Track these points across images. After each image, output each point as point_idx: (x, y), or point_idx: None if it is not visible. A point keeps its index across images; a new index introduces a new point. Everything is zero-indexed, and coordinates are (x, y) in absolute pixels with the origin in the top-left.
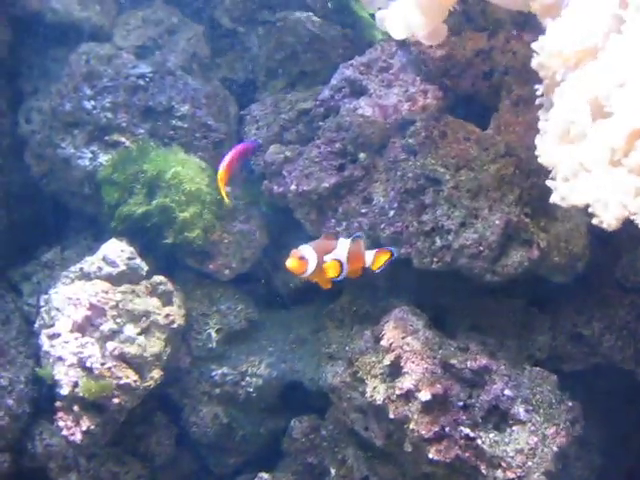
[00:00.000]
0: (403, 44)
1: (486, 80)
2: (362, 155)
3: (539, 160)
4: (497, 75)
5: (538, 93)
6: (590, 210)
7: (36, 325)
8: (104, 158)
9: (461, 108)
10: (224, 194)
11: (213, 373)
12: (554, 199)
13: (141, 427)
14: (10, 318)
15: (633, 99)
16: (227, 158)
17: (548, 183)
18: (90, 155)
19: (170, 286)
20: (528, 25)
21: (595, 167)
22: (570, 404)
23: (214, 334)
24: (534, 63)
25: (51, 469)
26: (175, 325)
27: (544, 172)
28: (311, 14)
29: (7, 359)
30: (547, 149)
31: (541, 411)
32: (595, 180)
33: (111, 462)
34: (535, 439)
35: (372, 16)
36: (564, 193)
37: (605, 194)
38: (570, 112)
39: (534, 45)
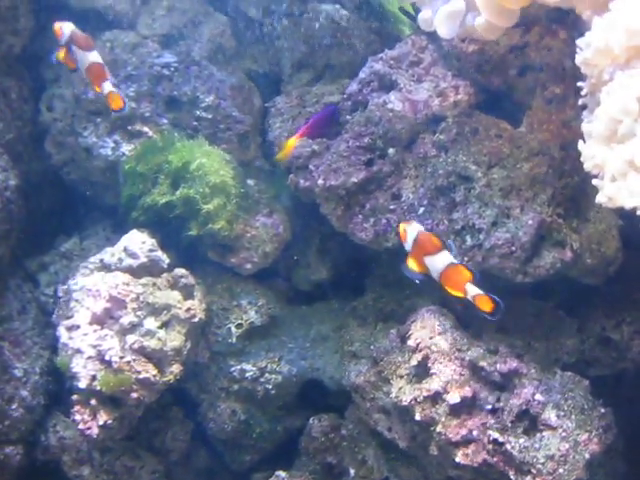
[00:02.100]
0: (434, 38)
1: (519, 77)
2: (391, 150)
3: (585, 167)
4: (531, 72)
5: (583, 92)
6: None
7: (54, 316)
8: (126, 148)
9: (493, 105)
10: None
11: (232, 369)
12: (600, 199)
13: (157, 422)
14: (26, 308)
15: None
16: (302, 129)
17: (594, 182)
18: (112, 145)
19: (191, 279)
20: (563, 21)
21: None
22: (602, 410)
23: (234, 329)
24: (579, 60)
25: (64, 462)
26: (196, 319)
27: (577, 172)
28: (338, 6)
29: (22, 350)
30: (593, 152)
31: (573, 417)
32: None
33: (126, 456)
34: (567, 445)
35: (401, 10)
36: (611, 193)
37: None
38: (619, 111)
39: (579, 41)
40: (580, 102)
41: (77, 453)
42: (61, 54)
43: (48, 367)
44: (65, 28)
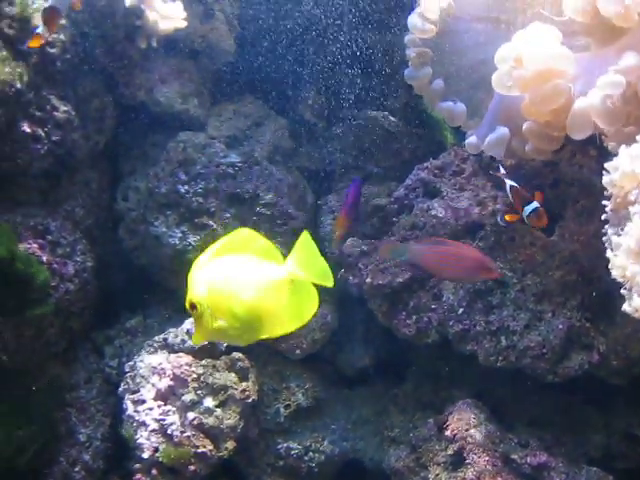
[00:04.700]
0: None
1: (552, 189)
2: None
3: (612, 273)
4: (563, 185)
5: (607, 209)
6: None
7: (120, 389)
8: (193, 239)
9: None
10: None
11: (279, 446)
12: (627, 309)
13: None
14: (92, 378)
15: None
16: (345, 208)
17: (623, 292)
18: (180, 235)
19: (247, 363)
20: (594, 141)
21: None
22: None
23: (282, 409)
24: (605, 180)
25: None
26: (250, 400)
27: (604, 279)
28: (387, 113)
29: (87, 416)
30: (622, 263)
31: None
32: None
33: None
34: None
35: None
36: (638, 306)
37: None
38: None
39: (607, 165)
40: (603, 217)
41: None
42: None
43: (109, 433)
44: None
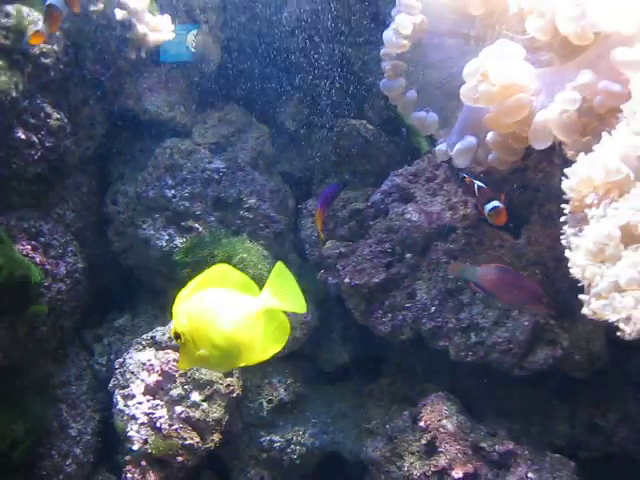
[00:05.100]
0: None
1: (519, 195)
2: (408, 255)
3: (571, 271)
4: (530, 191)
5: (565, 211)
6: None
7: (110, 384)
8: (179, 241)
9: None
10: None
11: (262, 439)
12: (585, 312)
13: None
14: (82, 375)
15: None
16: (320, 203)
17: (581, 297)
18: (167, 237)
19: None
20: (557, 150)
21: (626, 286)
22: None
23: (265, 404)
24: (565, 185)
25: None
26: (234, 394)
27: (567, 279)
28: (365, 122)
29: (77, 411)
30: (580, 263)
31: None
32: (626, 300)
33: None
34: None
35: None
36: (596, 308)
37: (634, 313)
38: (605, 236)
39: (566, 170)
40: (562, 219)
41: None
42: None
43: (98, 428)
44: None
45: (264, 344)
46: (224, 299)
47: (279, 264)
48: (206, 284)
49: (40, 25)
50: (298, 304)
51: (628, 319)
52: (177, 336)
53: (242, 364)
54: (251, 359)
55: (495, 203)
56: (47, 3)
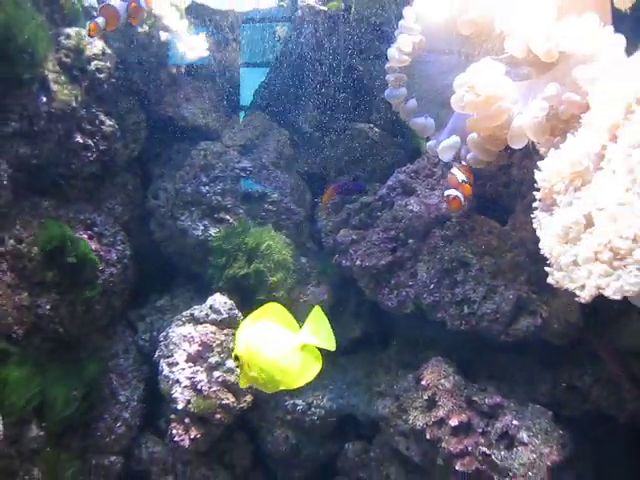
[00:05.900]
0: None
1: (506, 188)
2: (411, 241)
3: (541, 249)
4: (514, 185)
5: (537, 197)
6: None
7: (156, 355)
8: (213, 231)
9: (486, 208)
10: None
11: (286, 403)
12: (550, 281)
13: (226, 443)
14: (129, 349)
15: (606, 220)
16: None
17: (547, 269)
18: (202, 228)
19: None
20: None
21: (582, 263)
22: (561, 432)
23: None
24: (537, 176)
25: (153, 472)
26: None
27: (546, 260)
28: (371, 125)
29: (125, 381)
30: (549, 243)
31: (539, 436)
32: (581, 272)
33: (203, 468)
34: (534, 456)
35: None
36: (558, 278)
37: (587, 282)
38: (570, 222)
39: (539, 163)
40: (534, 204)
41: (163, 465)
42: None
43: (144, 396)
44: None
45: (300, 372)
46: (273, 334)
47: (317, 308)
48: (261, 316)
49: (100, 19)
50: (330, 342)
51: (583, 287)
52: (236, 358)
53: (282, 387)
54: (290, 384)
55: (452, 191)
56: (104, 3)
